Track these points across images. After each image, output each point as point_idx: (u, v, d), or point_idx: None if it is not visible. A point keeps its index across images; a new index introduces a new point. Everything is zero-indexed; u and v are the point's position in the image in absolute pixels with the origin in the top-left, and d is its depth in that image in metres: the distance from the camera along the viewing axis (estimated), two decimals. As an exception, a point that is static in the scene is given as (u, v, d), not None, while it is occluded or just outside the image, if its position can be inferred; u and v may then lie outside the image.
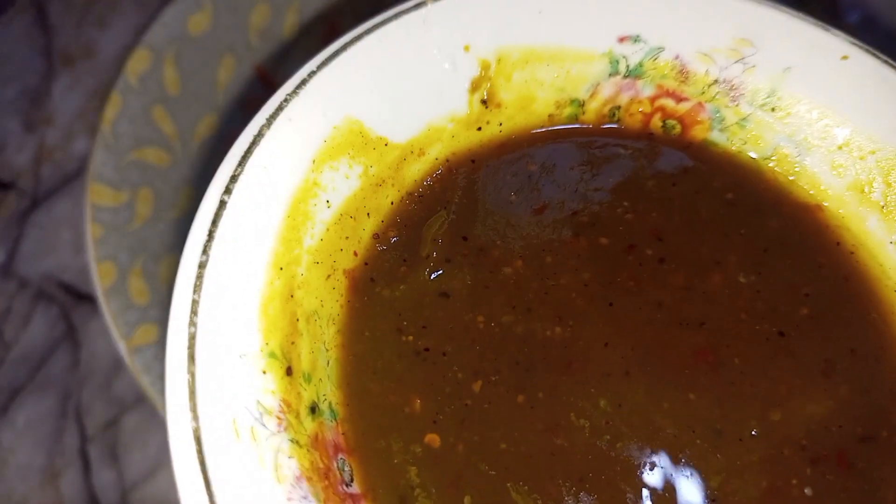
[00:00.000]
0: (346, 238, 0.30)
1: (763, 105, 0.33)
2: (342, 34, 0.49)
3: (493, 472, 0.27)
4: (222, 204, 0.25)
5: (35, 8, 0.57)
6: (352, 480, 0.26)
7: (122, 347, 0.40)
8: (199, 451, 0.22)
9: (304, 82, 0.28)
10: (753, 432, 0.27)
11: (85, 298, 0.49)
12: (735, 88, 0.33)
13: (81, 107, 0.54)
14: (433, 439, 0.28)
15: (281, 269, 0.27)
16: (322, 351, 0.28)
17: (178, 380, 0.23)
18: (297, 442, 0.25)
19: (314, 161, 0.28)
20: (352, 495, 0.26)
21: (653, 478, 0.27)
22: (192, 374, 0.23)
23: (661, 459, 0.27)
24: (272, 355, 0.25)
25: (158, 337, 0.41)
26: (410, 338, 0.29)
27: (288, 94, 0.27)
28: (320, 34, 0.49)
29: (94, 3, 0.57)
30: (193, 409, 0.22)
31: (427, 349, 0.29)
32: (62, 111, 0.54)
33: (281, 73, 0.48)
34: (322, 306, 0.28)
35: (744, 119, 0.33)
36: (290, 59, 0.48)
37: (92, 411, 0.47)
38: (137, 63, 0.43)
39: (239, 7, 0.46)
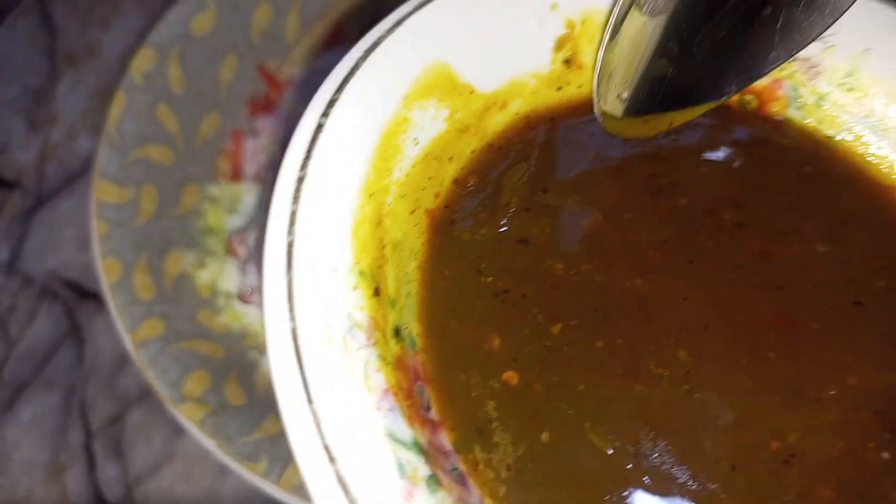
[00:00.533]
0: (430, 178, 0.31)
1: (841, 84, 0.33)
2: (344, 35, 0.50)
3: (571, 412, 0.27)
4: (320, 126, 0.27)
5: (39, 9, 0.58)
6: (429, 408, 0.27)
7: (127, 342, 0.40)
8: (297, 350, 0.23)
9: (399, 22, 0.29)
10: (832, 392, 0.28)
11: (89, 295, 0.50)
12: (814, 67, 0.33)
13: (85, 106, 0.55)
14: (511, 376, 0.28)
15: (371, 195, 0.28)
16: (404, 281, 0.29)
17: (276, 284, 0.24)
18: (384, 359, 0.26)
19: (405, 97, 0.29)
20: (431, 421, 0.27)
21: (730, 430, 0.27)
22: (289, 280, 0.24)
23: (739, 412, 0.27)
24: (362, 274, 0.26)
25: (164, 331, 0.41)
26: (490, 279, 0.30)
27: (384, 32, 0.29)
28: (322, 34, 0.50)
29: (98, 4, 0.57)
30: (291, 310, 0.24)
31: (506, 291, 0.30)
32: (66, 110, 0.55)
33: (283, 72, 0.49)
34: (406, 239, 0.29)
35: (821, 98, 0.34)
36: (292, 58, 0.49)
37: (96, 407, 0.47)
38: (142, 62, 0.44)
39: (242, 7, 0.47)
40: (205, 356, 0.41)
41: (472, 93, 0.32)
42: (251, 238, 0.44)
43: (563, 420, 0.27)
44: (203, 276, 0.44)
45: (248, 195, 0.46)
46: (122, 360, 0.47)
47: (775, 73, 0.34)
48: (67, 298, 0.50)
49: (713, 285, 0.30)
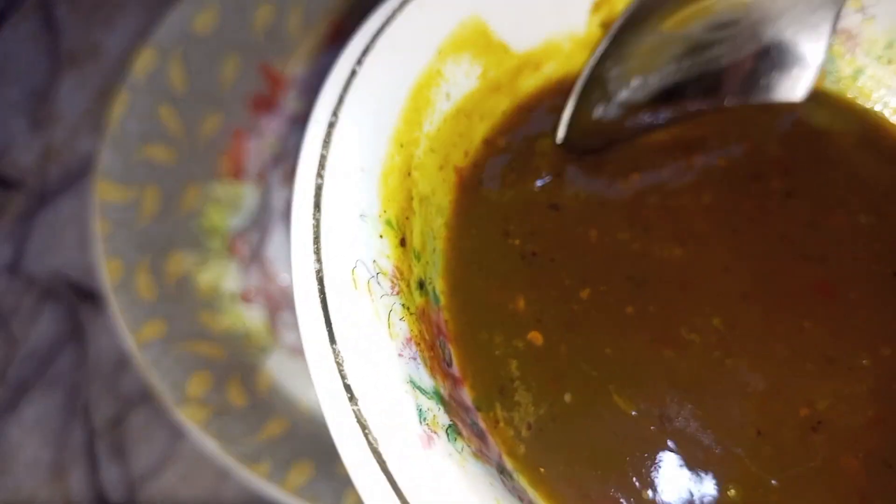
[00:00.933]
0: (460, 135, 0.30)
1: (880, 57, 0.32)
2: (347, 34, 0.50)
3: (596, 374, 0.27)
4: (353, 73, 0.27)
5: (42, 9, 0.58)
6: (451, 363, 0.27)
7: (130, 343, 0.40)
8: (322, 292, 0.23)
9: None
10: (865, 362, 0.27)
11: (92, 296, 0.50)
12: (852, 38, 0.33)
13: (87, 106, 0.55)
14: (536, 337, 0.28)
15: (401, 146, 0.27)
16: (430, 237, 0.28)
17: (303, 224, 0.24)
18: (408, 309, 0.25)
19: (440, 50, 0.29)
20: (452, 375, 0.26)
21: (759, 397, 0.27)
22: (316, 221, 0.24)
23: (770, 379, 0.27)
24: (389, 223, 0.26)
25: (166, 332, 0.41)
26: (517, 241, 0.29)
27: None
28: (325, 34, 0.50)
29: (100, 4, 0.57)
30: (317, 252, 0.24)
31: (534, 253, 0.29)
32: (68, 111, 0.55)
33: (285, 71, 0.49)
34: (433, 194, 0.29)
35: (858, 70, 0.33)
36: (294, 57, 0.49)
37: (99, 408, 0.47)
38: (145, 62, 0.44)
39: (244, 7, 0.47)
40: (207, 357, 0.41)
41: (506, 51, 0.31)
42: (253, 238, 0.44)
43: (587, 381, 0.27)
44: (205, 277, 0.44)
45: (250, 195, 0.46)
46: (125, 360, 0.47)
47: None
48: (70, 299, 0.50)
49: (758, 256, 0.29)
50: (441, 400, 0.24)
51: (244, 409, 0.40)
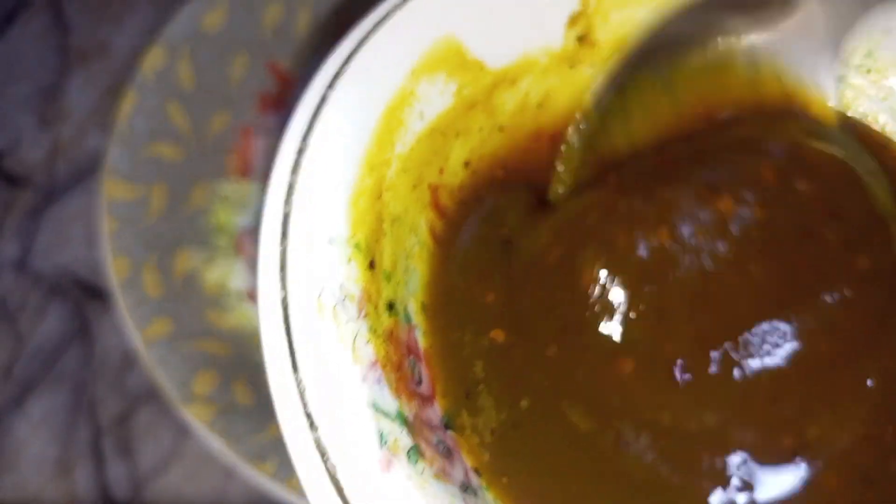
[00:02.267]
0: (435, 153, 0.30)
1: (859, 66, 0.32)
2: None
3: (547, 384, 0.27)
4: (324, 98, 0.27)
5: (51, 7, 0.58)
6: (420, 382, 0.27)
7: (136, 341, 0.40)
8: (286, 319, 0.24)
9: None
10: (868, 382, 0.26)
11: (98, 293, 0.50)
12: None
13: (95, 104, 0.55)
14: (498, 334, 0.28)
15: (372, 168, 0.28)
16: (402, 256, 0.29)
17: (270, 253, 0.25)
18: (375, 331, 0.26)
19: (413, 71, 0.29)
20: (420, 395, 0.26)
21: (728, 427, 0.26)
22: (283, 248, 0.25)
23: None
24: (357, 247, 0.26)
25: (172, 330, 0.41)
26: (504, 230, 0.30)
27: (395, 5, 0.29)
28: (333, 32, 0.50)
29: (109, 2, 0.58)
30: (283, 280, 0.24)
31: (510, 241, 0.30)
32: (77, 108, 0.55)
33: (294, 69, 0.49)
34: (406, 213, 0.29)
35: (839, 79, 0.33)
36: (303, 55, 0.49)
37: (105, 405, 0.47)
38: (153, 60, 0.44)
39: (253, 5, 0.47)
40: (213, 356, 0.41)
41: (481, 69, 0.31)
42: (261, 237, 0.44)
43: (539, 390, 0.27)
44: (212, 275, 0.44)
45: (257, 193, 0.46)
46: (131, 358, 0.47)
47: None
48: (77, 296, 0.50)
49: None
50: (404, 422, 0.25)
51: (250, 407, 0.40)
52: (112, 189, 0.42)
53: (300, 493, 0.37)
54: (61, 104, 0.55)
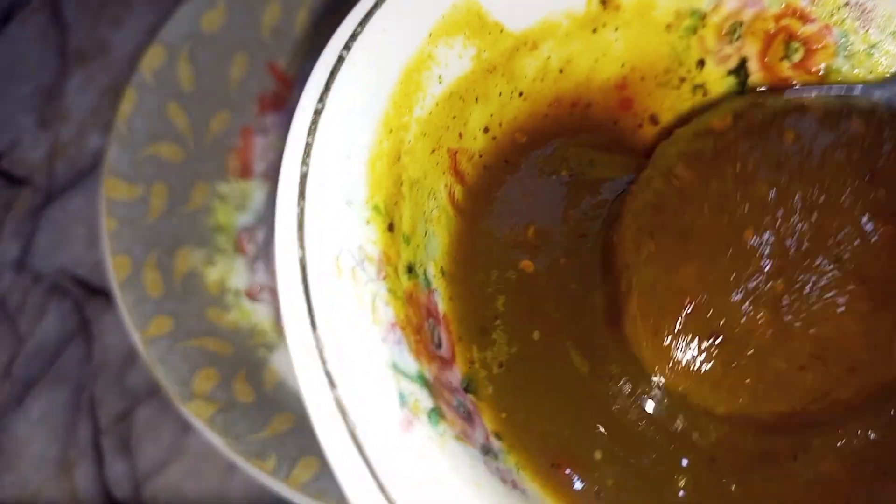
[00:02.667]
0: (454, 118, 0.30)
1: (894, 33, 0.31)
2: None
3: (557, 316, 0.28)
4: (340, 59, 0.26)
5: (50, 7, 0.58)
6: (440, 345, 0.27)
7: (136, 339, 0.40)
8: (304, 278, 0.23)
9: None
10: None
11: (98, 292, 0.50)
12: (867, 13, 0.32)
13: (95, 104, 0.55)
14: (528, 265, 0.29)
15: (390, 131, 0.27)
16: (422, 220, 0.28)
17: (287, 213, 0.24)
18: (395, 293, 0.25)
19: (431, 34, 0.29)
20: (440, 357, 0.26)
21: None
22: (301, 209, 0.24)
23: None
24: (376, 209, 0.26)
25: (172, 329, 0.41)
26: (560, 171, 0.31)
27: None
28: (332, 32, 0.50)
29: (108, 2, 0.58)
30: (301, 239, 0.24)
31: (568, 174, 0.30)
32: (76, 108, 0.55)
33: (292, 69, 0.49)
34: (425, 178, 0.29)
35: (872, 46, 0.32)
36: (301, 55, 0.49)
37: (105, 404, 0.48)
38: (152, 60, 0.44)
39: (252, 5, 0.47)
40: (213, 354, 0.41)
41: (501, 31, 0.31)
42: (260, 235, 0.44)
43: (552, 323, 0.28)
44: (212, 274, 0.44)
45: (257, 192, 0.46)
46: (131, 356, 0.47)
47: (825, 20, 0.32)
48: (77, 295, 0.50)
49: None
50: (425, 383, 0.24)
51: (250, 405, 0.40)
52: (112, 189, 0.42)
53: (300, 489, 0.38)
54: (60, 104, 0.55)
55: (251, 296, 0.44)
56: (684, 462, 0.26)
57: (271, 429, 0.39)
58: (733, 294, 0.26)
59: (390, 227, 0.26)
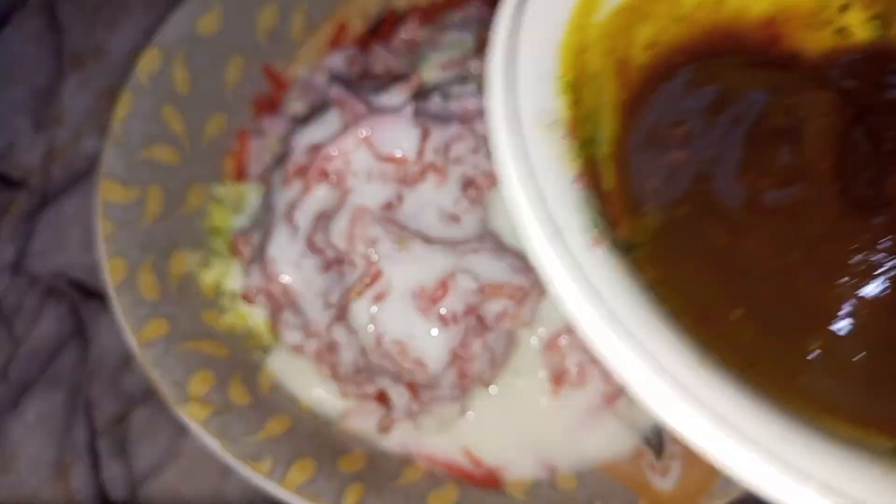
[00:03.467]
0: (623, 30, 0.35)
1: None
2: (349, 35, 0.50)
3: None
4: None
5: (46, 10, 0.58)
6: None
7: (132, 342, 0.40)
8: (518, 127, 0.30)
9: None
10: None
11: (94, 295, 0.50)
12: None
13: (91, 107, 0.55)
14: (680, 156, 0.34)
15: (576, 28, 0.33)
16: (594, 110, 0.34)
17: (496, 79, 0.31)
18: (577, 156, 0.32)
19: None
20: (607, 218, 0.32)
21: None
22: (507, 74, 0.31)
23: None
24: (565, 87, 0.32)
25: (168, 331, 0.41)
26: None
27: None
28: (328, 34, 0.50)
29: (104, 5, 0.58)
30: (513, 91, 0.31)
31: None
32: (72, 111, 0.55)
33: (288, 72, 0.49)
34: (601, 74, 0.35)
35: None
36: (297, 58, 0.49)
37: (101, 406, 0.48)
38: (148, 63, 0.44)
39: (247, 8, 0.47)
40: (209, 356, 0.41)
41: None
42: (256, 238, 0.44)
43: (697, 200, 0.32)
44: (208, 277, 0.44)
45: (253, 195, 0.46)
46: (127, 359, 0.47)
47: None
48: (73, 298, 0.50)
49: None
50: (606, 225, 0.30)
51: (246, 407, 0.40)
52: (107, 191, 0.42)
53: (295, 492, 0.38)
54: (56, 107, 0.55)
55: (247, 298, 0.44)
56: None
57: (267, 431, 0.39)
58: None
59: (576, 103, 0.33)
